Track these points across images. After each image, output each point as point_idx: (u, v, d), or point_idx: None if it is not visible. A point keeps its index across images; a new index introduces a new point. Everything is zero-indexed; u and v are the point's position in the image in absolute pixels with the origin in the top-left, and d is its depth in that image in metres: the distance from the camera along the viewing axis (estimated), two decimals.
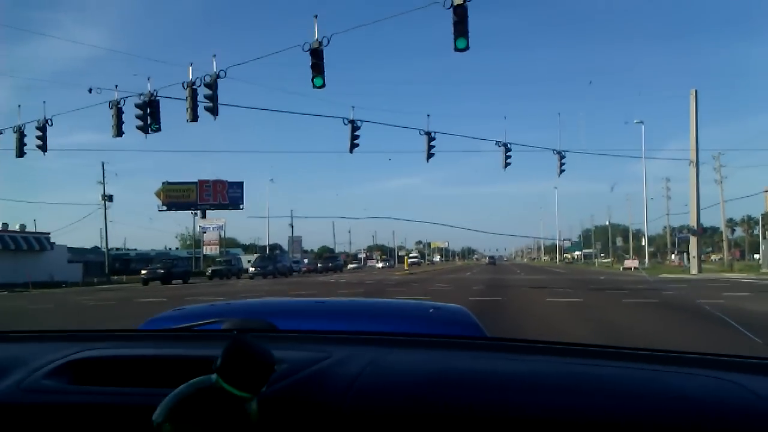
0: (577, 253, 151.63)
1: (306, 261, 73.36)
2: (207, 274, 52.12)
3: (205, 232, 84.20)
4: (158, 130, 22.78)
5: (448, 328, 1.93)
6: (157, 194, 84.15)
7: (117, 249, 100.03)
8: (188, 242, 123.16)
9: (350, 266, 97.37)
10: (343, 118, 25.39)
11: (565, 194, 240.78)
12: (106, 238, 62.80)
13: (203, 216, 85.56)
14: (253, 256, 67.45)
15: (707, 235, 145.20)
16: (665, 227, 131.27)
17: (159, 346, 1.26)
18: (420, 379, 0.97)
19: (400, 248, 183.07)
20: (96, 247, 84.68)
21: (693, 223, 43.05)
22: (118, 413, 0.88)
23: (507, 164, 29.67)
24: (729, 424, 0.81)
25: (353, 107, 27.55)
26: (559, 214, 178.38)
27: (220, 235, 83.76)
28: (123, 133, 23.13)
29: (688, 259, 79.61)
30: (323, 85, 19.32)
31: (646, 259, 59.72)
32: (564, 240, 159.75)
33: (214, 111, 21.77)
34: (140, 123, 22.39)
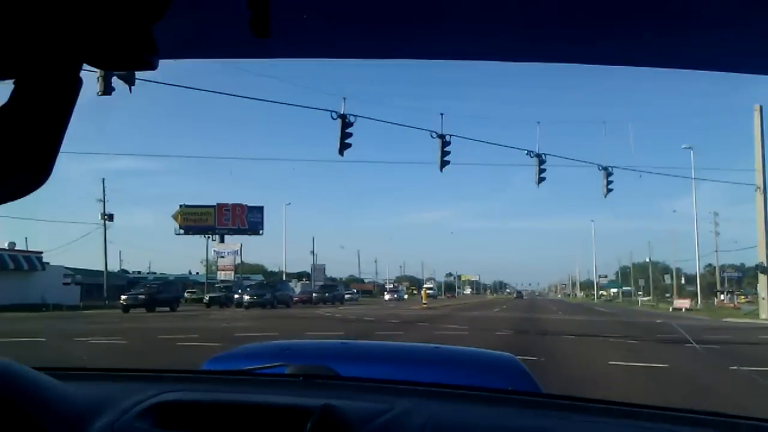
0: (614, 290, 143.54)
1: (298, 290, 63.53)
2: (204, 301, 46.81)
3: (222, 257, 78.41)
4: None
5: (498, 376, 1.93)
6: (175, 217, 79.06)
7: (138, 272, 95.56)
8: (213, 267, 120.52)
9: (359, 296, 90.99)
10: (431, 131, 19.29)
11: (602, 230, 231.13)
12: (105, 259, 57.26)
13: (221, 240, 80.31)
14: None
15: (752, 276, 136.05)
16: (707, 266, 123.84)
17: (233, 391, 1.33)
18: None
19: (429, 280, 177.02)
20: (110, 271, 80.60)
21: (762, 258, 35.73)
22: None
23: (541, 179, 23.34)
24: None
25: (442, 115, 21.07)
26: (595, 249, 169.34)
27: (235, 260, 77.78)
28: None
29: (736, 300, 71.88)
30: None
31: (698, 299, 51.88)
32: (600, 276, 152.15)
33: None
34: None
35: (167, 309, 37.30)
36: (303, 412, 0.98)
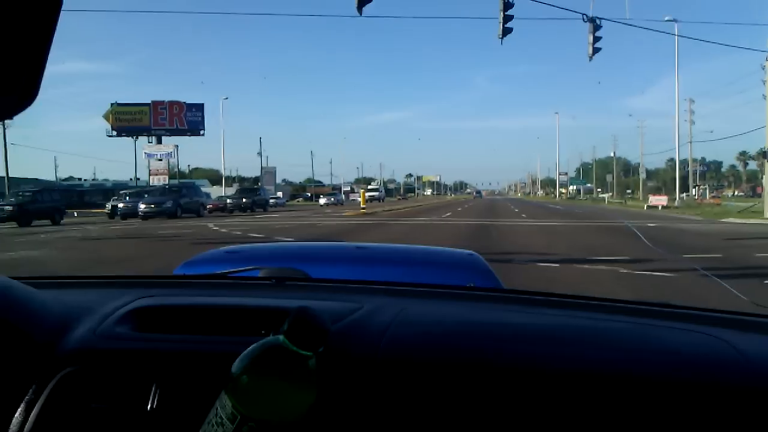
0: (572, 188, 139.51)
1: (211, 196, 50.25)
2: (106, 210, 37.98)
3: (158, 160, 70.03)
4: None
5: (462, 273, 2.03)
6: (106, 117, 70.38)
7: (78, 179, 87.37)
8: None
9: (297, 200, 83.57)
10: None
11: (563, 127, 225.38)
12: (6, 162, 48.87)
13: (159, 142, 71.98)
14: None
15: (711, 170, 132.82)
16: (668, 161, 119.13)
17: (209, 294, 1.35)
18: (444, 329, 1.05)
19: (390, 181, 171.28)
20: (35, 179, 72.39)
21: None
22: (188, 359, 0.96)
23: (505, 32, 16.45)
24: (710, 379, 0.86)
25: None
26: (558, 144, 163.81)
27: (169, 164, 69.64)
28: None
29: (709, 196, 66.38)
30: None
31: (677, 196, 46.00)
32: (560, 174, 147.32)
33: None
34: None
35: (49, 221, 29.96)
36: (277, 312, 1.04)
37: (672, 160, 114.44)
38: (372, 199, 74.06)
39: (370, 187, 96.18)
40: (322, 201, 70.44)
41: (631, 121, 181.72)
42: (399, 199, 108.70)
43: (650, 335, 1.03)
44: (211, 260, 2.18)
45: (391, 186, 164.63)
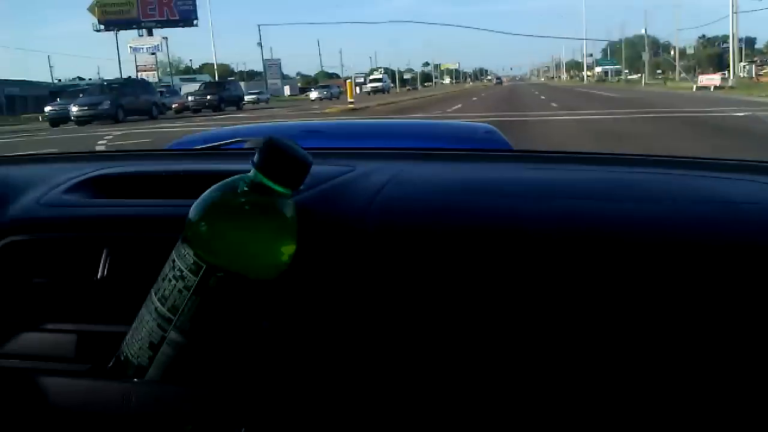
0: (598, 69, 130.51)
1: (178, 91, 43.81)
2: (44, 117, 30.23)
3: (153, 54, 63.63)
4: None
5: (477, 145, 1.90)
6: (91, 10, 63.53)
7: (76, 79, 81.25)
8: (167, 70, 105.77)
9: (306, 94, 75.29)
10: None
11: (590, 4, 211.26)
12: None
13: (150, 35, 65.31)
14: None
15: (747, 47, 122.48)
16: (700, 38, 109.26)
17: (185, 163, 1.20)
18: (443, 188, 0.93)
19: (408, 71, 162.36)
20: (25, 81, 66.45)
21: None
22: (144, 223, 0.84)
23: None
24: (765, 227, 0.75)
25: None
26: (583, 26, 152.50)
27: (156, 58, 63.14)
28: None
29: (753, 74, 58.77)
30: None
31: (731, 73, 39.00)
32: (587, 55, 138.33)
33: None
34: None
35: None
36: None
37: (703, 37, 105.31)
38: (375, 90, 66.30)
39: (372, 77, 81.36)
40: (313, 95, 58.29)
41: None
42: (408, 89, 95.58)
43: (702, 186, 0.90)
44: (201, 140, 1.95)
45: (407, 76, 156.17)
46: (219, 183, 0.65)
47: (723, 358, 0.65)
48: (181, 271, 0.62)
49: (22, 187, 0.94)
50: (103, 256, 0.80)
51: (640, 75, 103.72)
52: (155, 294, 0.63)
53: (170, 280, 0.62)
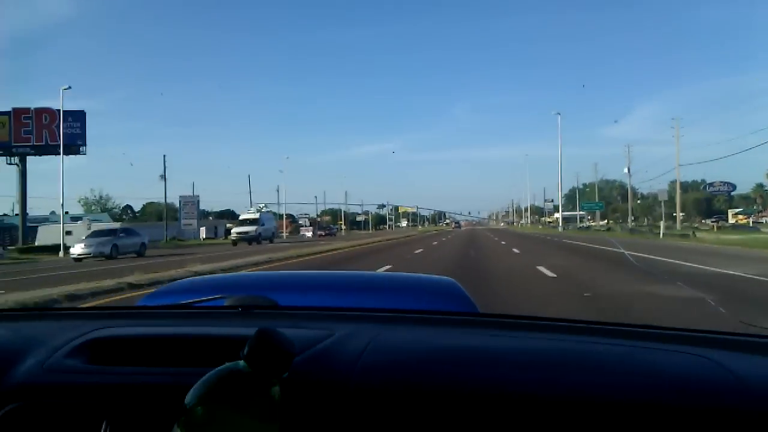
0: (557, 215, 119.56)
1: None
2: None
3: None
4: None
5: (440, 300, 1.92)
6: None
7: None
8: (92, 207, 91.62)
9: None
10: None
11: (544, 158, 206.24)
12: None
13: (22, 162, 50.89)
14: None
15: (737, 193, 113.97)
16: (671, 183, 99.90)
17: (170, 324, 1.26)
18: (419, 355, 0.98)
19: (360, 213, 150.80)
20: None
21: None
22: (142, 392, 0.88)
23: None
24: (703, 401, 0.81)
25: None
26: (538, 176, 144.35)
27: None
28: None
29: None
30: None
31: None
32: (546, 201, 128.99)
33: None
34: None
35: None
36: (243, 340, 0.89)
37: (675, 182, 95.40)
38: (241, 239, 45.48)
39: (243, 216, 52.77)
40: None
41: (617, 148, 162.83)
42: (320, 236, 76.73)
43: (639, 357, 0.97)
44: (177, 291, 1.97)
45: (360, 218, 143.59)
46: (212, 372, 0.68)
47: None
48: None
49: (25, 347, 0.99)
50: (104, 425, 0.83)
51: (606, 222, 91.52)
52: None
53: None
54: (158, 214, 78.29)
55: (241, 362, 0.68)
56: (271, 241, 47.83)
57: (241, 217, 52.88)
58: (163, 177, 62.58)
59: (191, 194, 70.91)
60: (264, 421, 0.67)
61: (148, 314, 1.41)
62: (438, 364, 0.93)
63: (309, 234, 77.38)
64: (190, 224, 67.71)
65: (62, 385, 0.89)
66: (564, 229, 77.16)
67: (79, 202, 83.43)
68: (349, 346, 0.97)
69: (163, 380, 0.87)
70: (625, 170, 73.85)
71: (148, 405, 0.85)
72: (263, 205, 62.99)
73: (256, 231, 46.19)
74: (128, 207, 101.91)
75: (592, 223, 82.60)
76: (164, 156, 67.42)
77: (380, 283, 2.33)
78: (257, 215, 51.64)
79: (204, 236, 67.53)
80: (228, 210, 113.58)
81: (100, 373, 0.92)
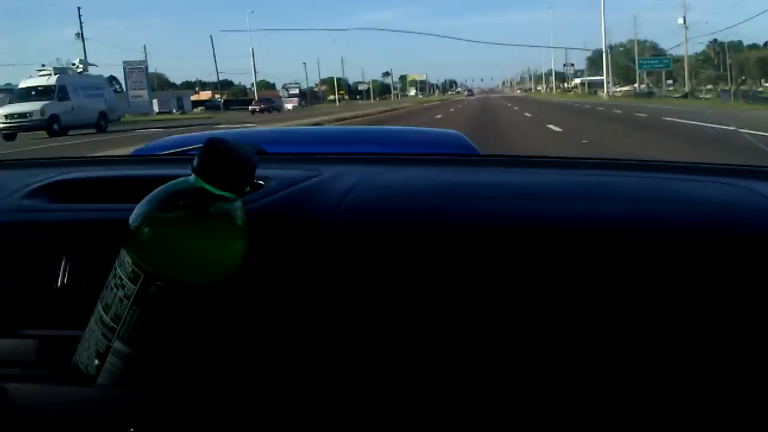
0: (577, 81, 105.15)
1: None
2: None
3: None
4: None
5: (443, 150, 1.84)
6: None
7: None
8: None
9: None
10: None
11: (563, 23, 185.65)
12: None
13: None
14: None
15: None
16: (712, 43, 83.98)
17: (145, 168, 1.16)
18: (412, 191, 0.89)
19: (361, 83, 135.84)
20: None
21: None
22: (100, 226, 0.80)
23: None
24: (741, 226, 0.74)
25: None
26: (558, 36, 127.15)
27: None
28: None
29: None
30: None
31: None
32: (565, 65, 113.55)
33: None
34: None
35: None
36: None
37: (715, 42, 79.43)
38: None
39: (24, 85, 26.63)
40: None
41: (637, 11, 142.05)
42: (346, 100, 70.87)
43: (668, 187, 0.89)
44: (165, 146, 1.87)
45: (362, 87, 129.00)
46: (159, 188, 0.61)
47: (707, 354, 0.64)
48: (122, 280, 0.58)
49: None
50: (63, 261, 0.76)
51: (633, 86, 77.20)
52: (100, 303, 0.60)
53: (112, 289, 0.59)
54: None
55: (192, 176, 0.60)
56: (104, 129, 26.88)
57: (21, 85, 27.25)
58: (80, 35, 48.59)
59: (140, 59, 57.35)
60: (223, 240, 0.60)
61: (120, 161, 1.31)
62: (433, 198, 0.84)
63: (289, 106, 64.10)
64: (140, 95, 54.81)
65: (18, 223, 0.82)
66: (609, 95, 59.55)
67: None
68: (337, 184, 0.87)
69: (126, 216, 0.74)
70: (680, 20, 58.59)
71: (108, 239, 0.75)
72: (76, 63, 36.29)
73: (42, 113, 23.74)
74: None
75: (654, 89, 65.54)
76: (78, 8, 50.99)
77: (380, 135, 2.28)
78: (51, 80, 26.22)
79: (157, 110, 54.94)
80: (199, 81, 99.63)
81: (58, 210, 0.85)
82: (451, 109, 36.66)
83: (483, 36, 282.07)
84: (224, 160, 0.59)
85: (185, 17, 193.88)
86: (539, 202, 0.80)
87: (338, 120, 23.02)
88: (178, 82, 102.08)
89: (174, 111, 57.76)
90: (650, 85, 69.51)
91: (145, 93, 55.12)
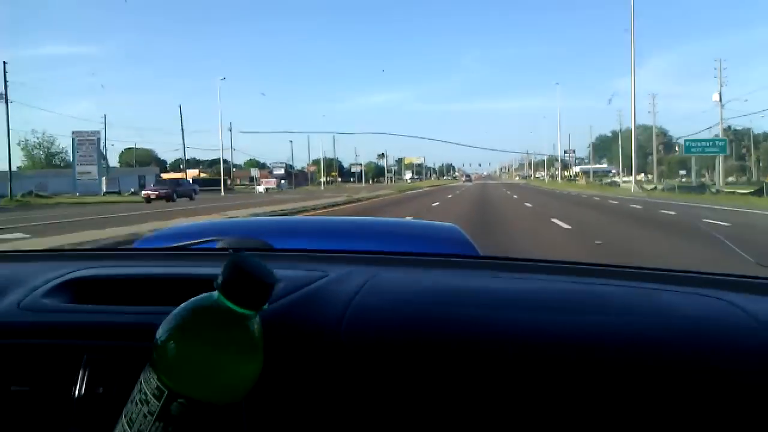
0: (576, 168, 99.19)
1: None
2: None
3: None
4: None
5: (441, 246, 1.84)
6: None
7: None
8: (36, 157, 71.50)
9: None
10: None
11: (554, 112, 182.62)
12: None
13: None
14: None
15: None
16: (729, 129, 77.93)
17: (158, 265, 1.17)
18: (415, 296, 0.91)
19: (356, 165, 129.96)
20: None
21: None
22: (120, 331, 0.81)
23: None
24: (719, 342, 0.76)
25: None
26: (553, 129, 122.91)
27: None
28: None
29: None
30: None
31: None
32: (566, 152, 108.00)
33: None
34: None
35: None
36: None
37: (729, 129, 73.33)
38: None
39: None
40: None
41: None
42: (337, 183, 62.67)
43: (653, 299, 0.92)
44: (172, 235, 1.90)
45: (355, 170, 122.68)
46: (183, 305, 0.62)
47: None
48: (146, 395, 0.59)
49: (2, 287, 0.92)
50: (83, 363, 0.77)
51: (646, 176, 70.43)
52: (125, 416, 0.61)
53: (137, 404, 0.59)
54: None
55: (215, 293, 0.61)
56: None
57: None
58: (3, 95, 41.11)
59: (93, 130, 50.05)
60: (243, 359, 0.61)
61: (135, 255, 1.32)
62: (436, 306, 0.86)
63: (261, 189, 57.17)
64: (88, 172, 47.27)
65: (38, 324, 0.82)
66: (641, 188, 44.29)
67: (18, 145, 62.74)
68: (343, 286, 0.90)
69: (146, 319, 0.77)
70: (715, 96, 51.93)
71: (128, 344, 0.77)
72: None
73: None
74: None
75: (703, 179, 56.14)
76: (4, 63, 43.23)
77: (380, 228, 2.30)
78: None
79: (105, 190, 47.16)
80: (194, 158, 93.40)
81: (79, 312, 0.86)
82: (448, 197, 29.42)
83: (485, 120, 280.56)
84: (247, 280, 0.59)
85: (176, 96, 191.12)
86: (532, 313, 0.82)
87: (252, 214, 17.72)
88: (171, 159, 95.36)
89: (129, 191, 49.88)
90: (703, 175, 61.79)
91: (94, 169, 47.63)
